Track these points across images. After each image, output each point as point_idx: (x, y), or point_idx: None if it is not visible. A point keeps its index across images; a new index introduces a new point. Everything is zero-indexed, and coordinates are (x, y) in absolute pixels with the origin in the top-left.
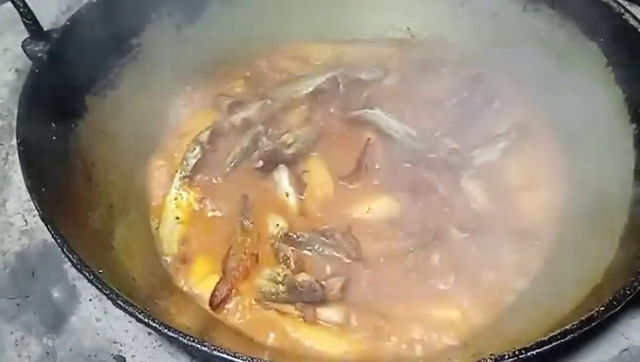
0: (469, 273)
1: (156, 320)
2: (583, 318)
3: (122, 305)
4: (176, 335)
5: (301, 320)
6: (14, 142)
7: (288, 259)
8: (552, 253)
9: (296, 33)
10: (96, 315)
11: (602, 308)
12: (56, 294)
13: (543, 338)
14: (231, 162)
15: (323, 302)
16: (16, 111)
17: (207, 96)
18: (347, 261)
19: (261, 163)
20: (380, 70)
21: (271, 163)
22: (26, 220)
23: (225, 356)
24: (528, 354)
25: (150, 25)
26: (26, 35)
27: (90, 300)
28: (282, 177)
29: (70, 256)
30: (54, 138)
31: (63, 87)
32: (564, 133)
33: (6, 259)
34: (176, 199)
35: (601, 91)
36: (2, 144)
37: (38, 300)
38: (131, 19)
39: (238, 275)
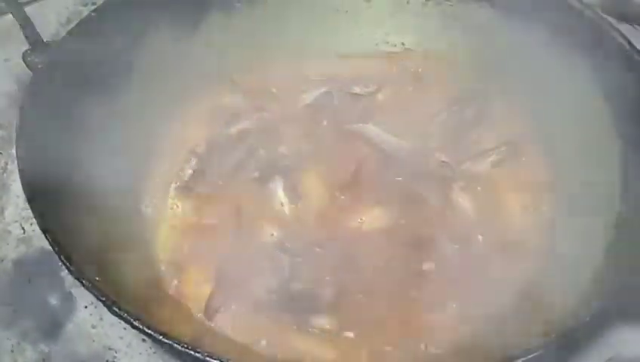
0: (459, 283)
1: (151, 327)
2: (568, 327)
3: (118, 312)
4: (170, 342)
5: (294, 327)
6: (13, 151)
7: (282, 268)
8: (540, 263)
9: (292, 48)
10: (91, 322)
11: (588, 318)
12: (52, 301)
13: (528, 347)
14: (227, 173)
15: (316, 310)
16: (15, 121)
17: (204, 108)
18: (340, 270)
19: (257, 174)
20: (374, 84)
21: (267, 174)
22: (23, 228)
23: None
24: None
25: (149, 37)
26: (27, 46)
27: (86, 307)
28: (278, 188)
29: (67, 263)
30: (53, 148)
31: (62, 98)
32: (553, 148)
33: (3, 266)
34: (172, 208)
35: (589, 107)
36: (1, 153)
37: (34, 307)
38: (130, 31)
39: (232, 284)
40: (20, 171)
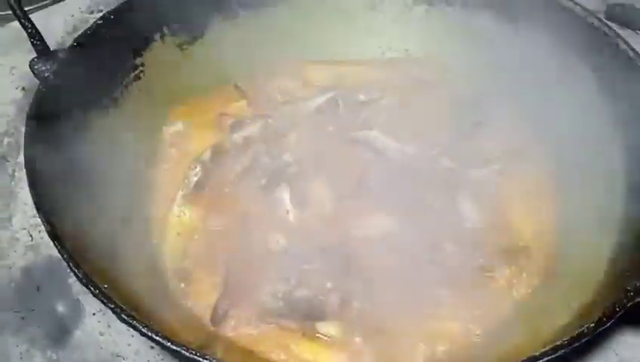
0: (463, 288)
1: (159, 334)
2: (573, 334)
3: (126, 319)
4: (178, 349)
5: (301, 334)
6: (21, 159)
7: (288, 274)
8: (544, 270)
9: (296, 55)
10: (99, 329)
11: (592, 325)
12: (60, 308)
13: (534, 354)
14: (233, 180)
15: (322, 316)
16: (22, 128)
17: (210, 115)
18: (346, 276)
19: (263, 181)
20: (378, 91)
21: (272, 181)
22: (31, 235)
23: None
24: None
25: (154, 45)
26: (33, 54)
27: (94, 314)
28: (283, 195)
29: (76, 271)
30: (60, 155)
31: (69, 105)
32: (557, 154)
33: (11, 274)
34: (178, 216)
35: (592, 113)
36: (9, 161)
37: (42, 314)
38: (136, 39)
39: (238, 291)
40: (28, 179)
